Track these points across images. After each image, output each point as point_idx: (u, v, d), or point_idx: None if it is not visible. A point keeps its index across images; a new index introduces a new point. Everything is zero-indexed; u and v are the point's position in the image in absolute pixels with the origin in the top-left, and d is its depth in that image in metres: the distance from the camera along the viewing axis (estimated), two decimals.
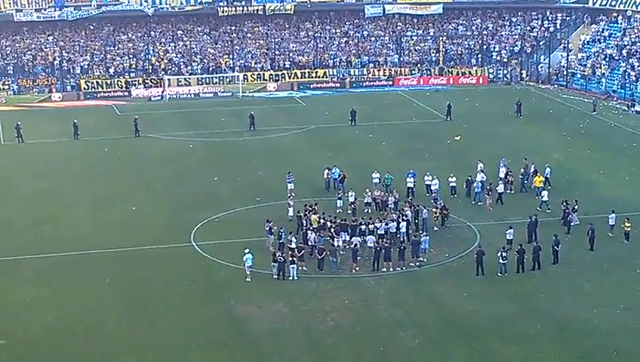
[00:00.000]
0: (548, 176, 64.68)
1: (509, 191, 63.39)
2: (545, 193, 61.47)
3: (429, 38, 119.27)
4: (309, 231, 53.35)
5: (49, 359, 41.38)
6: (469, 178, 63.48)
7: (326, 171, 65.70)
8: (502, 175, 64.34)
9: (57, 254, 53.75)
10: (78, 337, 43.23)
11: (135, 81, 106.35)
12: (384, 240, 51.80)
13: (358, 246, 51.36)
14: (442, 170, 66.07)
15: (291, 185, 63.71)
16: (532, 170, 65.30)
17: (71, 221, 59.87)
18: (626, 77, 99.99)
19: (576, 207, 57.41)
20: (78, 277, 50.41)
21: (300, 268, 50.04)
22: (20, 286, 49.43)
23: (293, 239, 52.01)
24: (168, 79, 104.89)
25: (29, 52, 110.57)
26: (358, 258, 51.07)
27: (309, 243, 52.32)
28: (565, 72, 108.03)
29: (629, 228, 54.53)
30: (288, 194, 62.77)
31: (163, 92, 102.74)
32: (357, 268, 50.63)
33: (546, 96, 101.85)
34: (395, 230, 54.07)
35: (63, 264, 52.42)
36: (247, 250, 50.19)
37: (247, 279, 49.44)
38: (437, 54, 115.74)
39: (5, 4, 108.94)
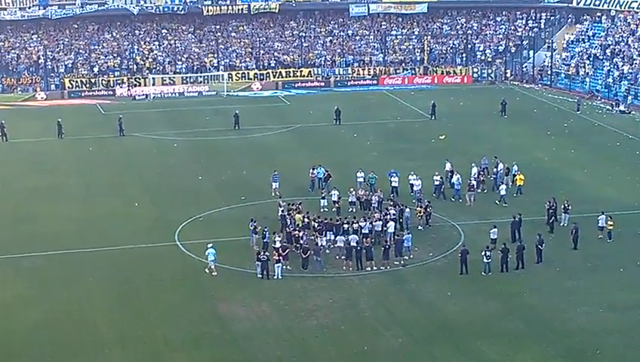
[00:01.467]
0: (515, 173, 64.88)
1: (479, 191, 63.42)
2: (503, 187, 62.17)
3: (413, 37, 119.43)
4: (296, 231, 53.20)
5: (37, 354, 41.29)
6: (441, 179, 63.56)
7: (311, 170, 65.69)
8: (474, 174, 64.40)
9: (43, 253, 53.61)
10: (66, 333, 43.19)
11: (119, 80, 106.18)
12: (367, 239, 51.84)
13: (350, 244, 51.22)
14: (427, 169, 66.01)
15: (276, 184, 63.67)
16: (501, 169, 65.37)
17: (55, 220, 59.70)
18: (610, 76, 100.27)
19: (569, 207, 57.36)
20: (63, 275, 50.30)
21: (285, 267, 50.01)
22: (6, 283, 49.33)
23: (277, 238, 51.96)
24: (153, 78, 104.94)
25: (12, 51, 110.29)
26: (347, 257, 51.11)
27: (300, 241, 52.09)
28: (549, 72, 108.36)
29: (611, 227, 54.69)
30: (273, 193, 62.83)
31: (128, 91, 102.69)
32: (350, 268, 50.50)
33: (530, 95, 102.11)
34: (380, 229, 54.09)
35: (49, 262, 52.28)
36: (210, 245, 50.46)
37: (213, 273, 49.81)
38: (421, 53, 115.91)
39: None
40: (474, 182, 62.81)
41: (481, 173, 65.16)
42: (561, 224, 56.62)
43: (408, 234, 53.07)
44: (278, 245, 50.97)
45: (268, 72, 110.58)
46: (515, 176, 64.63)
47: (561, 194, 60.60)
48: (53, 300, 47.05)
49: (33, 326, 44.06)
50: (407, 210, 56.96)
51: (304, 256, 50.65)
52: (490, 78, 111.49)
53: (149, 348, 41.88)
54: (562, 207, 57.18)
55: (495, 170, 65.64)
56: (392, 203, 58.11)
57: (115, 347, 41.95)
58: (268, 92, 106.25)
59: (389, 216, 55.08)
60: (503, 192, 61.92)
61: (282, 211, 56.52)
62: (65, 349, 41.81)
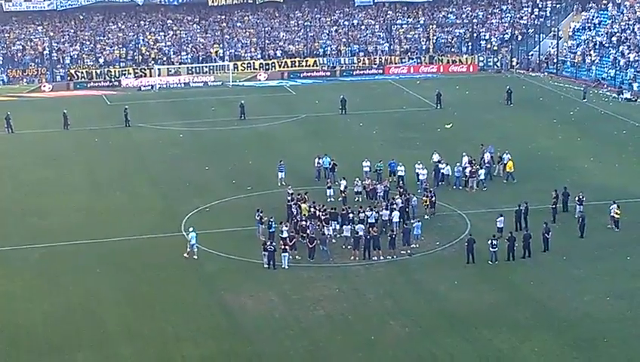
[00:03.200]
0: (505, 162, 64.78)
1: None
2: (482, 171, 62.76)
3: (419, 26, 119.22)
4: (303, 221, 53.17)
5: (44, 346, 41.42)
6: (435, 167, 63.62)
7: (316, 160, 65.67)
8: (464, 163, 64.20)
9: (50, 244, 53.70)
10: (73, 325, 43.33)
11: (125, 70, 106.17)
12: (374, 228, 51.82)
13: (357, 233, 51.28)
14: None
15: (282, 174, 63.70)
16: (487, 158, 65.13)
17: (62, 211, 59.75)
18: (616, 64, 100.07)
19: (583, 199, 56.44)
20: (71, 267, 50.38)
21: (292, 256, 50.03)
22: (14, 275, 49.42)
23: (284, 228, 51.98)
24: (158, 68, 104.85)
25: (18, 42, 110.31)
26: (352, 246, 51.17)
27: (307, 231, 51.99)
28: (555, 60, 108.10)
29: (618, 216, 54.57)
30: (279, 183, 62.86)
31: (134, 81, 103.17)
32: (357, 258, 50.52)
33: (536, 83, 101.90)
34: (387, 218, 54.07)
35: (56, 254, 52.34)
36: (190, 229, 51.15)
37: (194, 257, 50.47)
38: (427, 42, 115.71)
39: None
40: (472, 169, 62.69)
41: (473, 161, 64.73)
42: (575, 216, 55.88)
43: (418, 221, 53.14)
44: (285, 235, 51.01)
45: (273, 62, 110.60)
46: (505, 164, 64.54)
47: (567, 182, 60.46)
48: (61, 292, 47.13)
49: (41, 317, 44.16)
50: (414, 198, 57.01)
51: (311, 246, 50.67)
52: (496, 67, 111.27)
53: (156, 339, 41.93)
54: (577, 198, 56.58)
55: (487, 158, 65.50)
56: (399, 191, 58.08)
57: (123, 339, 42.03)
58: (273, 82, 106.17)
59: (395, 206, 55.12)
60: (481, 177, 62.53)
61: (288, 201, 56.50)
62: (72, 340, 41.91)
